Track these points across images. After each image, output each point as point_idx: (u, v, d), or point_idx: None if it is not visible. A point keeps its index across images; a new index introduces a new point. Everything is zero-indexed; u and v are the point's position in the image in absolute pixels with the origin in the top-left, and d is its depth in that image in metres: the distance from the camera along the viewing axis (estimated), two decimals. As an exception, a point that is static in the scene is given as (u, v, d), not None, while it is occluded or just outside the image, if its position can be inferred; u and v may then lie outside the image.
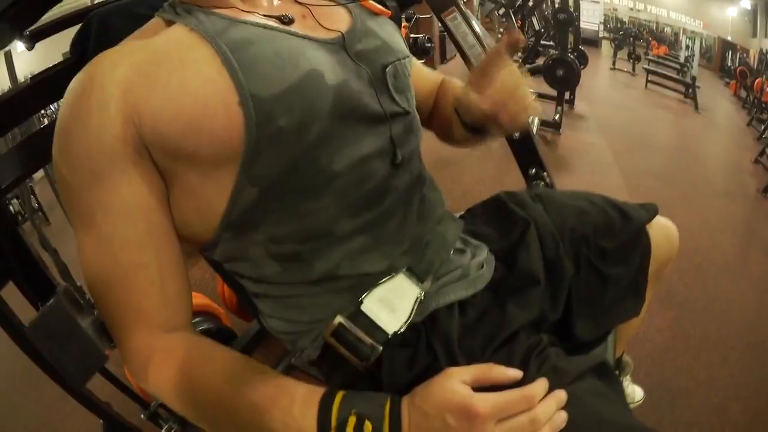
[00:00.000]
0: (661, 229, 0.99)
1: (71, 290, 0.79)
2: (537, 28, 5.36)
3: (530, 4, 5.01)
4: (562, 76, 4.27)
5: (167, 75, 0.59)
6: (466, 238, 0.86)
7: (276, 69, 0.61)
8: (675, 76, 7.52)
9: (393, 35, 0.80)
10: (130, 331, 0.63)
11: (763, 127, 5.62)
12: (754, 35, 10.95)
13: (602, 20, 13.07)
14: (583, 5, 12.14)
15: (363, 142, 0.68)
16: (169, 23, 0.67)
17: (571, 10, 4.60)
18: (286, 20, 0.69)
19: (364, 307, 0.68)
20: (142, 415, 1.15)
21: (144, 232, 0.61)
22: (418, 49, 3.39)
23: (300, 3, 0.75)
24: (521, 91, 0.69)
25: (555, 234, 0.86)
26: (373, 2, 0.84)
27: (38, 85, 0.90)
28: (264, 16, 0.69)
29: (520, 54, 5.16)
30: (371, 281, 0.70)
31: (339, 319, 0.67)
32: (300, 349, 0.75)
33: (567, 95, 4.85)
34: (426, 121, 0.96)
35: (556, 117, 4.28)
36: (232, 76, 0.58)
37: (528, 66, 4.92)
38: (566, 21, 4.41)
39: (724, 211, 3.38)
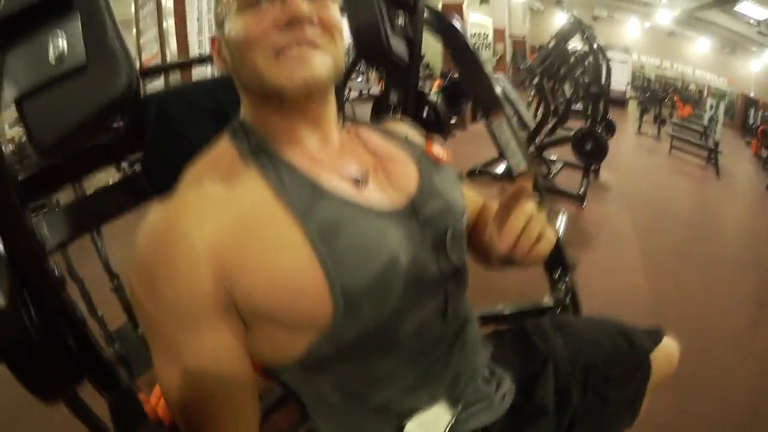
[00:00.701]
0: (663, 353, 1.05)
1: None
2: (568, 95, 5.42)
3: (562, 72, 5.12)
4: (590, 150, 4.37)
5: (260, 253, 0.62)
6: (493, 366, 0.92)
7: (362, 260, 0.64)
8: (698, 141, 7.65)
9: (454, 191, 0.83)
10: None
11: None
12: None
13: (630, 80, 13.08)
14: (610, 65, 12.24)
15: (423, 306, 0.74)
16: (243, 159, 0.69)
17: (603, 81, 4.71)
18: (360, 182, 0.72)
19: (406, 431, 0.77)
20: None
21: (228, 369, 0.64)
22: (455, 105, 3.55)
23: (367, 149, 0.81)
24: (532, 228, 0.68)
25: (569, 368, 0.95)
26: (437, 147, 0.87)
27: (91, 150, 0.93)
28: (339, 177, 0.72)
29: (552, 118, 5.21)
30: (415, 410, 0.77)
31: None
32: None
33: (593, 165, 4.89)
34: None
35: (581, 190, 4.32)
36: (323, 267, 0.61)
37: (557, 135, 5.04)
38: (598, 94, 4.59)
39: (737, 284, 3.40)
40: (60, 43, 0.63)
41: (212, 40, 0.76)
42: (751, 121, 11.69)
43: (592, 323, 1.10)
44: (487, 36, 12.97)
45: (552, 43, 4.76)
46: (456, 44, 1.52)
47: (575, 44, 4.95)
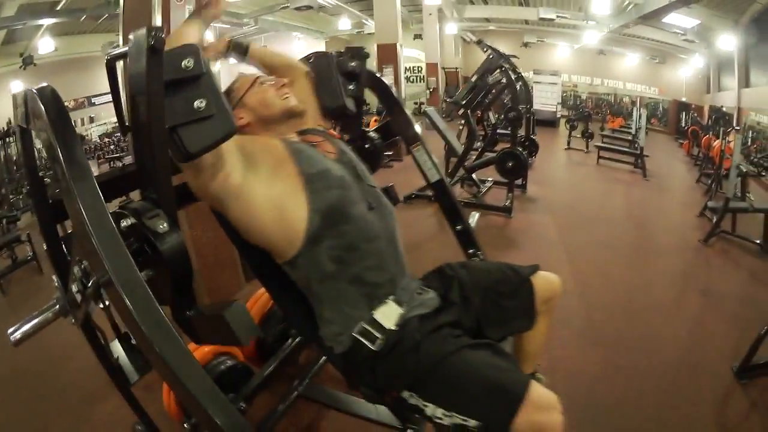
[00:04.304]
0: (543, 278, 1.45)
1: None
2: (493, 121, 6.03)
3: (486, 101, 5.57)
4: (512, 167, 4.91)
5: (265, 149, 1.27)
6: (423, 287, 1.38)
7: (313, 165, 1.27)
8: (626, 148, 8.02)
9: (349, 150, 1.48)
10: None
11: (710, 181, 6.05)
12: (708, 91, 11.59)
13: (559, 101, 13.52)
14: (540, 87, 12.93)
15: (358, 201, 1.28)
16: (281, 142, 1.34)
17: (522, 106, 5.26)
18: (314, 145, 1.37)
19: (375, 316, 1.22)
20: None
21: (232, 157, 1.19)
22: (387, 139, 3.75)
23: (314, 132, 1.47)
24: None
25: (470, 285, 1.39)
26: (334, 132, 1.57)
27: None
28: (304, 142, 1.38)
29: (480, 143, 5.80)
30: (378, 291, 1.24)
31: (362, 324, 1.21)
32: (340, 344, 1.23)
33: (520, 181, 5.45)
34: None
35: (507, 203, 4.86)
36: (297, 166, 1.25)
37: (485, 157, 5.51)
38: (516, 118, 5.13)
39: (662, 265, 3.76)
40: (200, 100, 0.99)
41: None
42: (683, 124, 12.23)
43: (486, 263, 1.63)
44: (421, 69, 13.73)
45: (474, 78, 5.20)
46: (386, 96, 2.09)
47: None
